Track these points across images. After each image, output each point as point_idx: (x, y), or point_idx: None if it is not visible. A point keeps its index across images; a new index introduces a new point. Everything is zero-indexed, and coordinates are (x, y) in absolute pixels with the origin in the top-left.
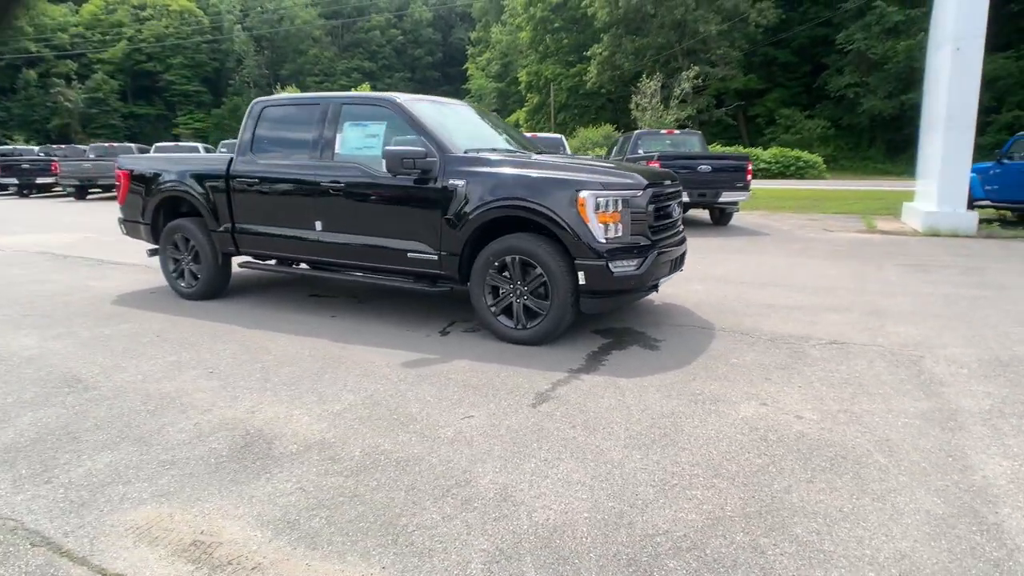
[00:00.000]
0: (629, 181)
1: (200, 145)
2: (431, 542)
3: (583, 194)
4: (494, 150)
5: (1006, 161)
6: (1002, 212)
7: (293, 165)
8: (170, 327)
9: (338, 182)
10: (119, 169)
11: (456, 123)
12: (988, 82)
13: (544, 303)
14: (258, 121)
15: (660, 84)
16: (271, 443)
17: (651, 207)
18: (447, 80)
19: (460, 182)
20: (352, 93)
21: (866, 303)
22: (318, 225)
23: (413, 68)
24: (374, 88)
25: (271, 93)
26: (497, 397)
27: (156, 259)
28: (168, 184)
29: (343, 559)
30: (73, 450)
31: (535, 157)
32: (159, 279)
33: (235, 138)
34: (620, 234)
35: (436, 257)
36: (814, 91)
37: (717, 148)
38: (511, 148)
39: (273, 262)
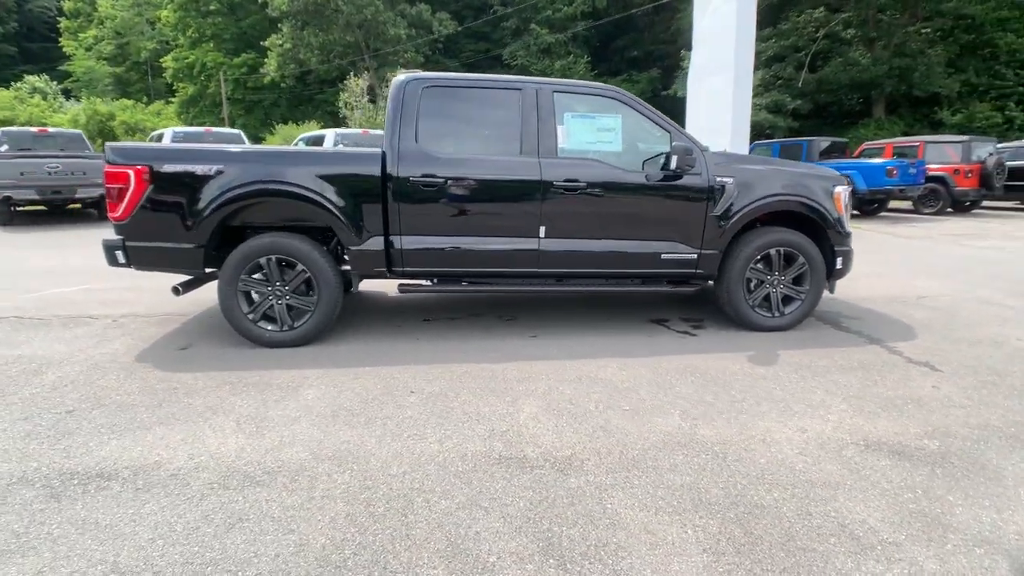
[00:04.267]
0: (844, 178)
1: (241, 132)
2: None
3: (838, 189)
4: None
5: None
6: None
7: (501, 162)
8: (396, 384)
9: (576, 181)
10: (123, 165)
11: None
12: None
13: (796, 290)
14: (419, 105)
15: (368, 84)
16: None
17: None
18: (29, 58)
19: (729, 179)
20: (565, 80)
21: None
22: (542, 231)
23: None
24: None
25: None
26: (896, 376)
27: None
28: (258, 188)
29: None
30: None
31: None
32: (138, 332)
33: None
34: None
35: (695, 256)
36: None
37: None
38: None
39: (432, 281)
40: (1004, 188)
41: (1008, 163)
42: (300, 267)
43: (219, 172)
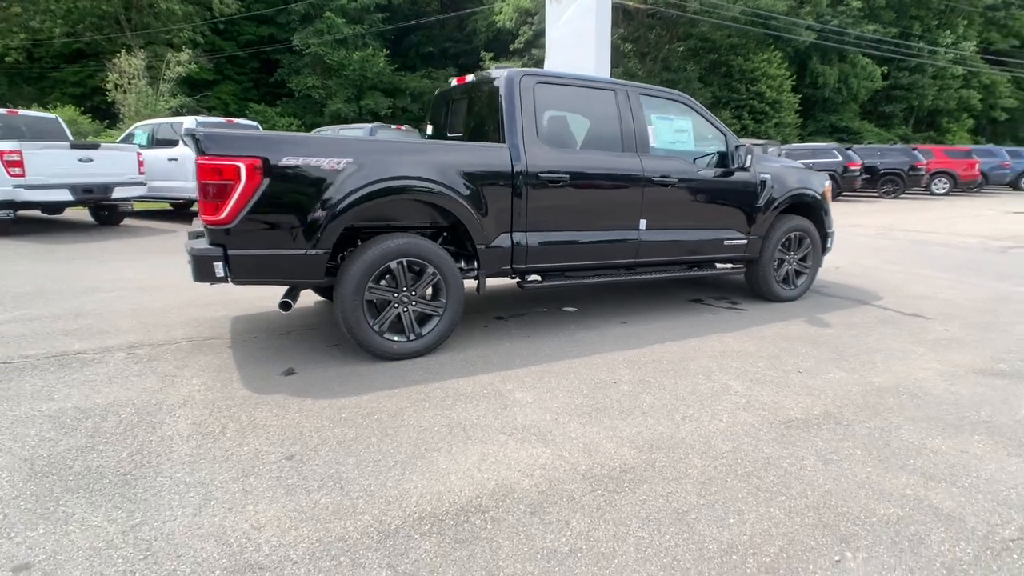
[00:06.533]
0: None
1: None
2: None
3: (828, 183)
4: None
5: None
6: None
7: (614, 157)
8: (589, 378)
9: (668, 176)
10: (229, 157)
11: None
12: (414, 96)
13: (804, 266)
14: (535, 100)
15: (145, 64)
16: None
17: None
18: None
19: (768, 175)
20: (644, 84)
21: None
22: (642, 224)
23: None
24: None
25: None
26: (912, 325)
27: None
28: (397, 185)
29: None
30: None
31: None
32: (191, 361)
33: None
34: None
35: (746, 241)
36: (268, 87)
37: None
38: None
39: (537, 277)
40: None
41: None
42: (431, 270)
43: (351, 166)
